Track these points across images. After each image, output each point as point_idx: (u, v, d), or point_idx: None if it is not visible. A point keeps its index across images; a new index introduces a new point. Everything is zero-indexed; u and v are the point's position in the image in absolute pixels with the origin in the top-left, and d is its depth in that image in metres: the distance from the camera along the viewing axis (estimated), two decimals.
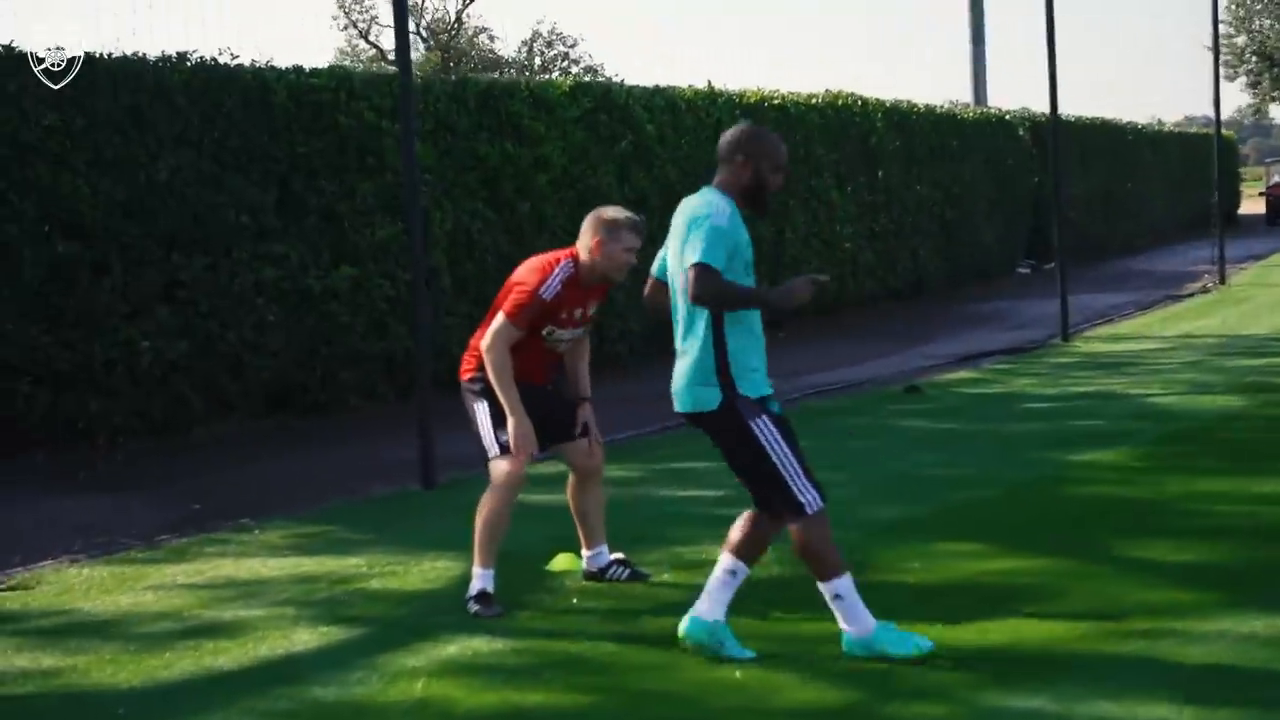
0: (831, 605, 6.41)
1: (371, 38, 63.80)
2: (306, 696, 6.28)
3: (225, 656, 6.92)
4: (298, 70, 15.01)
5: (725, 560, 6.56)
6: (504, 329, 7.33)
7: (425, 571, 8.38)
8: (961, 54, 36.47)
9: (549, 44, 68.03)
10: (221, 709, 6.15)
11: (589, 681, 6.32)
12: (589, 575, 7.90)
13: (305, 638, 7.19)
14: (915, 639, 6.35)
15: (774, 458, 6.36)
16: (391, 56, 58.79)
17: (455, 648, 6.86)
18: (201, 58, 14.22)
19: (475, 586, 7.43)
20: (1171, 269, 30.91)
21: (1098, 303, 23.39)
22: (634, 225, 7.39)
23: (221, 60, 14.39)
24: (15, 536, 9.75)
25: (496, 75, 53.44)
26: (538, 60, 67.49)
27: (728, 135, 6.59)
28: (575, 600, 7.61)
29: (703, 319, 6.35)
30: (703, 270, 6.17)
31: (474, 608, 7.36)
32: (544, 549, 8.44)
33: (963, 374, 16.39)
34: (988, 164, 28.66)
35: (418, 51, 61.66)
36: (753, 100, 21.34)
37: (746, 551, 6.56)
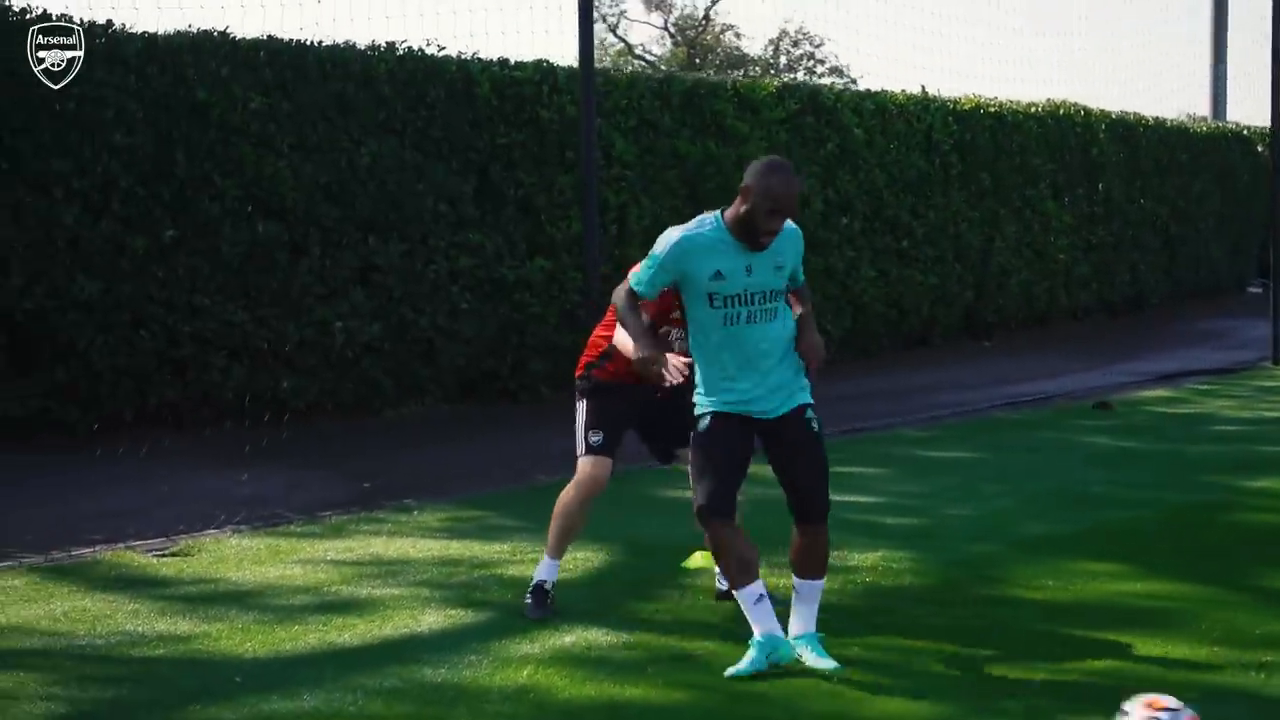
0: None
1: (620, 32, 64.33)
2: (415, 676, 6.43)
3: (350, 633, 7.12)
4: (502, 63, 15.26)
5: (795, 583, 6.74)
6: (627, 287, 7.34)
7: (565, 561, 8.44)
8: (1204, 71, 35.54)
9: (795, 43, 67.85)
10: (331, 682, 6.33)
11: (690, 679, 6.35)
12: (720, 595, 7.77)
13: (431, 619, 7.35)
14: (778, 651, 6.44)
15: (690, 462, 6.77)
16: (638, 50, 59.55)
17: (572, 637, 6.96)
18: (410, 47, 14.55)
19: (537, 576, 7.50)
20: None
21: None
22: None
23: (428, 50, 14.70)
24: (187, 505, 10.14)
25: (742, 73, 53.62)
26: (784, 59, 67.35)
27: (752, 164, 6.64)
28: (701, 599, 7.65)
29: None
30: (624, 283, 6.73)
31: (526, 600, 7.44)
32: (684, 545, 8.49)
33: (1160, 392, 16.05)
34: (1220, 180, 27.92)
35: (664, 47, 61.98)
36: (967, 107, 21.10)
37: (793, 565, 6.74)
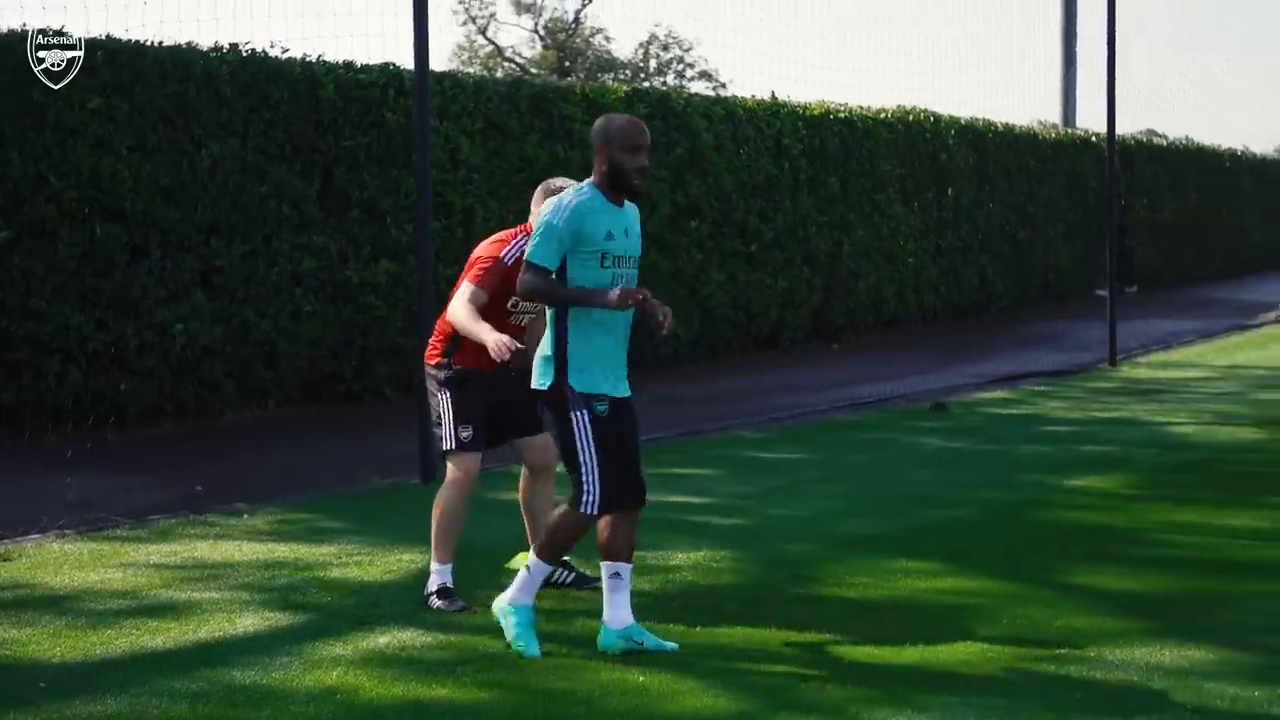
0: (520, 575, 6.86)
1: (489, 34, 64.15)
2: (223, 678, 6.43)
3: (163, 636, 7.10)
4: (347, 65, 15.23)
5: (604, 568, 6.85)
6: (470, 293, 7.41)
7: (390, 563, 8.52)
8: (1054, 76, 36.13)
9: (665, 47, 67.99)
10: (137, 686, 6.31)
11: (496, 679, 6.42)
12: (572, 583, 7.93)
13: (247, 622, 7.35)
14: (533, 643, 6.72)
15: (579, 450, 6.68)
16: (509, 53, 59.50)
17: (385, 639, 7.00)
18: (253, 49, 14.47)
19: (434, 582, 7.54)
20: (1254, 299, 30.53)
21: (1160, 329, 23.23)
22: None
23: (272, 52, 14.63)
24: (9, 508, 10.01)
25: (611, 76, 53.70)
26: (653, 63, 67.48)
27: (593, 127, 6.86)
28: None
29: (552, 310, 6.72)
30: (527, 266, 6.65)
31: (436, 603, 7.47)
32: (508, 547, 8.55)
33: (997, 394, 16.35)
34: (1069, 186, 28.45)
35: (534, 50, 61.93)
36: (816, 113, 21.36)
37: (614, 551, 6.82)
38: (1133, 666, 6.40)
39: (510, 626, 6.78)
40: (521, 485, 7.99)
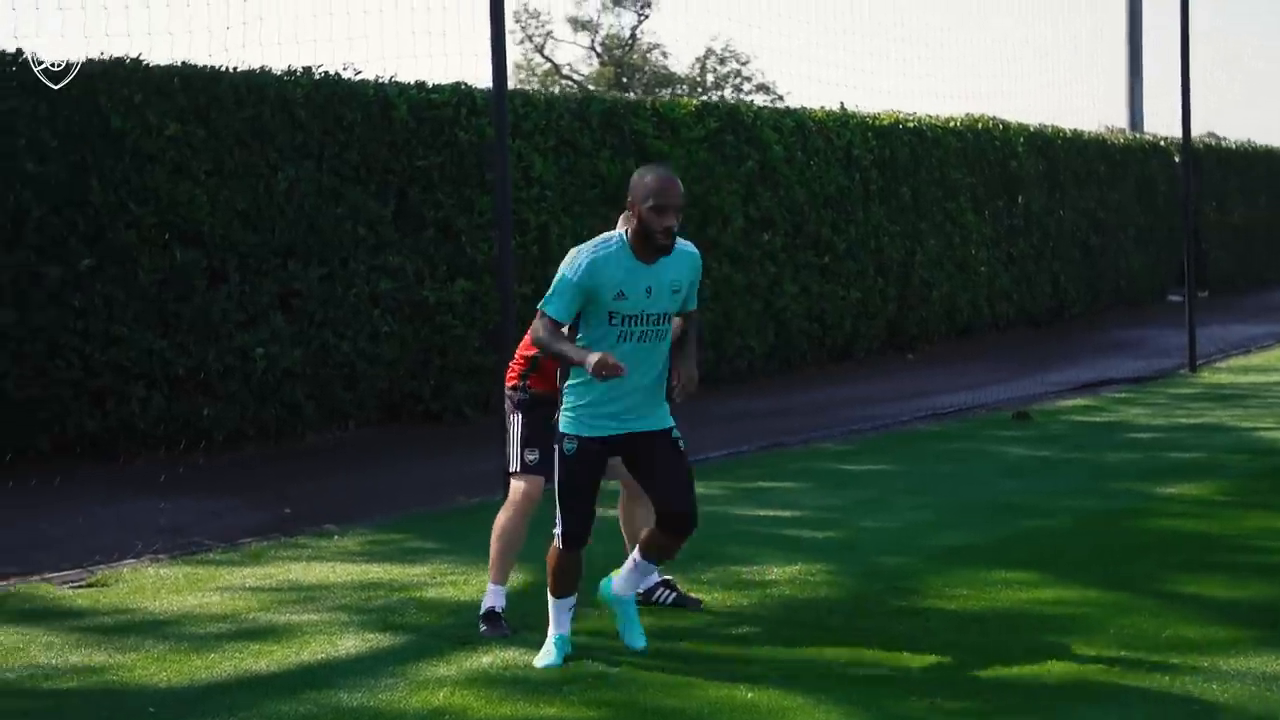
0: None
1: (546, 52, 64.32)
2: (331, 701, 6.44)
3: (267, 659, 7.11)
4: (420, 85, 15.27)
5: (639, 552, 7.09)
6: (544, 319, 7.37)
7: (484, 583, 8.40)
8: (1118, 82, 35.92)
9: (721, 61, 67.97)
10: (245, 709, 6.33)
11: (605, 697, 6.40)
12: (638, 599, 7.91)
13: (350, 644, 7.35)
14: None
15: (555, 484, 6.93)
16: (566, 70, 59.65)
17: (490, 658, 6.99)
18: (326, 72, 14.54)
19: (486, 603, 7.55)
20: None
21: (1237, 333, 22.99)
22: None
23: (344, 75, 14.69)
24: (104, 535, 10.07)
25: (669, 92, 53.73)
26: (710, 77, 67.49)
27: None
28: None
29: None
30: (539, 315, 6.74)
31: (482, 628, 7.46)
32: (602, 565, 8.50)
33: (1078, 401, 16.22)
34: (1139, 191, 28.25)
35: (591, 67, 62.12)
36: (886, 123, 21.27)
37: (645, 549, 7.06)
38: (1249, 677, 6.31)
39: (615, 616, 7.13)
40: (620, 505, 7.98)
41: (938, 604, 7.71)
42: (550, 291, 6.71)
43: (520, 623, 7.48)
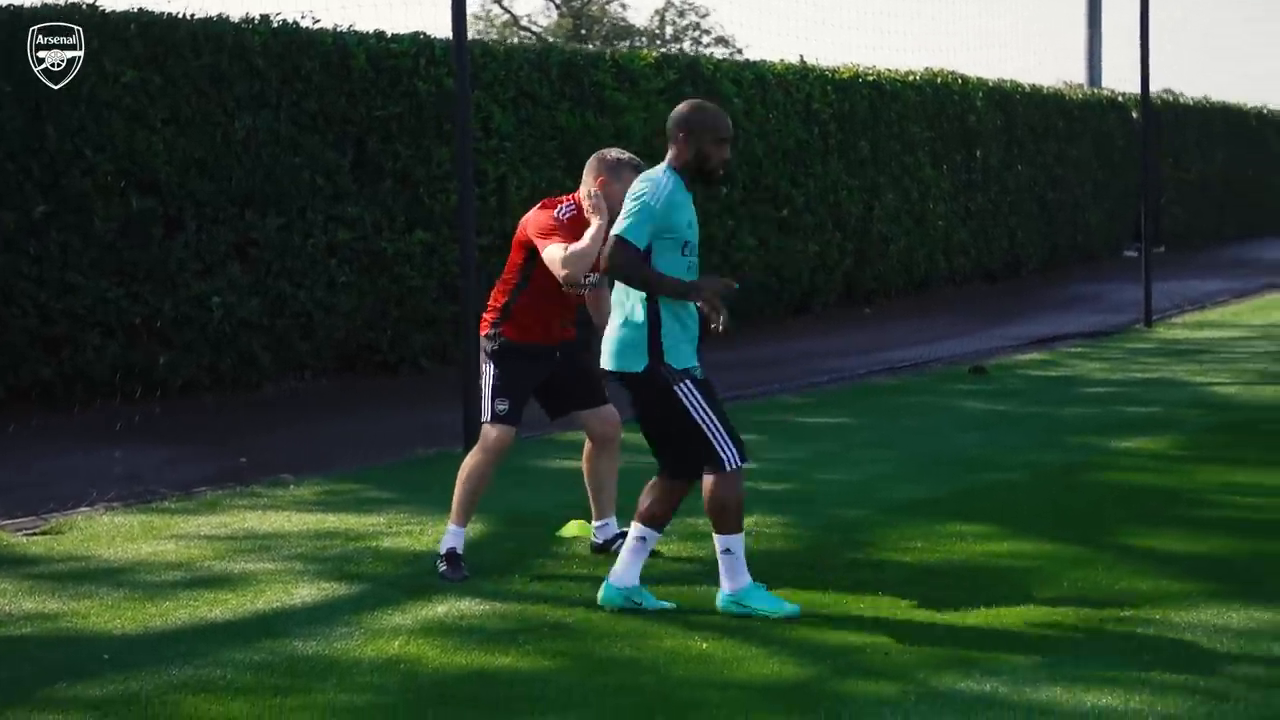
0: (720, 558, 6.75)
1: (505, 3, 63.97)
2: (285, 649, 6.44)
3: (222, 608, 7.10)
4: (379, 35, 15.16)
5: (635, 529, 6.87)
6: (554, 246, 7.30)
7: (441, 533, 8.42)
8: (1076, 36, 35.98)
9: (680, 13, 67.73)
10: (200, 657, 6.32)
11: (560, 647, 6.41)
12: (596, 548, 7.94)
13: (305, 593, 7.35)
14: (783, 603, 6.68)
15: (695, 416, 6.66)
16: (525, 21, 59.36)
17: (444, 608, 6.99)
18: (284, 20, 14.42)
19: (446, 544, 7.56)
20: None
21: (1193, 289, 23.09)
22: (636, 166, 7.40)
23: (303, 23, 14.58)
24: (58, 483, 10.01)
25: (627, 44, 53.52)
26: (669, 29, 67.24)
27: (673, 112, 6.79)
28: (575, 568, 7.70)
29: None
30: (619, 243, 6.53)
31: (441, 567, 7.49)
32: (558, 515, 8.54)
33: (1034, 356, 16.29)
34: (1096, 146, 28.31)
35: (550, 19, 61.83)
36: (845, 76, 21.24)
37: (653, 518, 6.86)
38: (1200, 629, 6.36)
39: (757, 609, 6.68)
40: (585, 456, 7.97)
41: (894, 556, 7.74)
42: (630, 219, 6.55)
43: (475, 571, 7.49)
